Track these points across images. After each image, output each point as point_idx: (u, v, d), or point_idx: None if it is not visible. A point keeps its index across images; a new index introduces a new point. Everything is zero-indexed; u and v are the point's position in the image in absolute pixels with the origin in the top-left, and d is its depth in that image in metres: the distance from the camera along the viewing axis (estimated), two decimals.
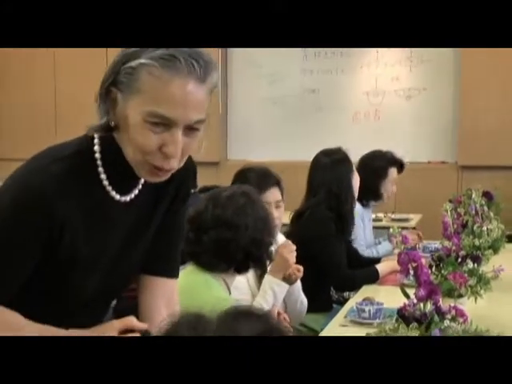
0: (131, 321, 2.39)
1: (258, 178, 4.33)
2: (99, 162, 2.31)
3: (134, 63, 2.17)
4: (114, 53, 2.32)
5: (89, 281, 2.43)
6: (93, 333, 2.37)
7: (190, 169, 2.62)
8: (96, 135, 2.30)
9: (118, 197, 2.37)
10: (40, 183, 2.23)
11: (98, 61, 6.71)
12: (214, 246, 3.27)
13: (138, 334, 2.29)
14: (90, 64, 8.68)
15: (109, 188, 2.34)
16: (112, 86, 2.20)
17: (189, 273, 3.37)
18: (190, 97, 2.19)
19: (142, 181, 2.39)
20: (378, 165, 5.91)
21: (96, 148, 2.31)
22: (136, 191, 2.40)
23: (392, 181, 6.29)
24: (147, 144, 2.17)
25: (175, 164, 2.22)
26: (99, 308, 2.62)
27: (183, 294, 3.08)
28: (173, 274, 2.72)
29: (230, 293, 3.36)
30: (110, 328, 2.34)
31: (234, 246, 3.25)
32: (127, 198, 2.38)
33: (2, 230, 2.26)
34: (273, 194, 4.29)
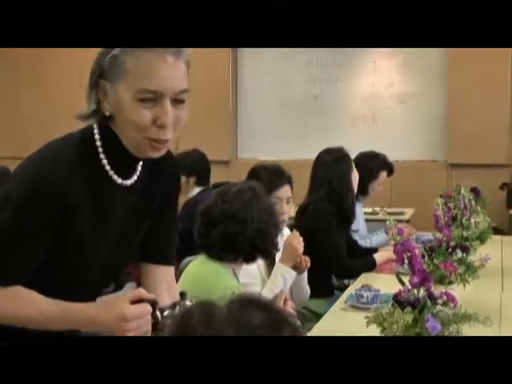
0: (140, 291, 2.34)
1: (271, 175, 4.34)
2: (100, 149, 2.33)
3: (115, 51, 2.24)
4: None
5: (92, 263, 2.43)
6: (107, 303, 2.35)
7: (176, 164, 2.70)
8: (95, 125, 2.34)
9: (119, 180, 2.38)
10: (51, 171, 2.24)
11: None
12: (222, 240, 3.27)
13: (147, 304, 2.25)
14: None
15: (111, 172, 2.35)
16: (100, 79, 2.25)
17: (200, 262, 3.37)
18: (171, 69, 2.25)
19: (140, 167, 2.42)
20: (371, 166, 5.89)
21: (96, 136, 2.33)
22: (135, 177, 2.42)
23: (380, 182, 6.29)
24: (142, 120, 2.21)
25: (170, 134, 2.25)
26: (100, 289, 2.60)
27: (195, 282, 3.07)
28: (172, 261, 2.77)
29: (238, 280, 3.34)
30: (123, 298, 2.29)
31: (241, 238, 3.25)
32: (128, 183, 2.39)
33: (18, 216, 2.25)
34: (285, 191, 4.29)
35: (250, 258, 3.34)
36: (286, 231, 4.22)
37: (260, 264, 3.78)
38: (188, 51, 2.36)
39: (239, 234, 3.24)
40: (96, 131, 2.34)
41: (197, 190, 6.12)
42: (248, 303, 1.43)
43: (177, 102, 2.26)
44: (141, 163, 2.42)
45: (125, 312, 2.21)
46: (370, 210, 7.04)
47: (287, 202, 4.26)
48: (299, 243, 3.79)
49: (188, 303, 2.22)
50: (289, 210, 4.34)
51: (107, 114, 2.28)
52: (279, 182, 4.30)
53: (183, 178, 6.12)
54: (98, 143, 2.33)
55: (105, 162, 2.34)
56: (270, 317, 1.42)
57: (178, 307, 2.23)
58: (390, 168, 6.40)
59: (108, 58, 2.24)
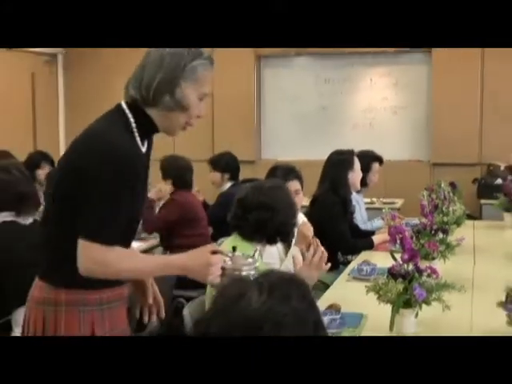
0: (214, 246, 2.58)
1: (284, 172, 4.41)
2: (133, 125, 2.42)
3: (194, 63, 2.41)
4: None
5: (137, 212, 2.51)
6: (194, 255, 2.44)
7: None
8: (127, 110, 2.44)
9: (143, 149, 2.46)
10: (119, 144, 2.33)
11: None
12: (255, 223, 3.28)
13: (220, 254, 2.43)
14: None
15: (139, 143, 2.44)
16: (178, 79, 2.39)
17: (232, 240, 3.37)
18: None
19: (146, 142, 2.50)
20: (364, 161, 5.86)
21: (130, 118, 2.42)
22: (145, 146, 2.49)
23: (375, 172, 6.25)
24: (199, 112, 2.48)
25: None
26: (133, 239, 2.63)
27: None
28: None
29: (262, 258, 3.36)
30: (205, 251, 2.42)
31: (270, 224, 3.26)
32: (144, 150, 2.47)
33: (113, 184, 2.29)
34: (293, 185, 4.33)
35: (272, 241, 3.36)
36: (301, 217, 4.25)
37: (279, 247, 3.81)
38: None
39: (269, 221, 3.26)
40: (129, 115, 2.43)
41: (229, 184, 6.14)
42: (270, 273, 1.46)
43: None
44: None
45: (210, 260, 2.35)
46: (368, 200, 7.05)
47: (296, 194, 4.29)
48: (309, 230, 3.81)
49: (237, 254, 2.46)
50: (299, 201, 4.34)
51: (164, 105, 2.41)
52: (289, 177, 4.36)
53: (218, 175, 6.16)
54: (132, 120, 2.42)
55: (136, 134, 2.42)
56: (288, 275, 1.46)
57: (232, 258, 2.43)
58: (379, 159, 6.39)
59: (190, 67, 2.40)
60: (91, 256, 2.27)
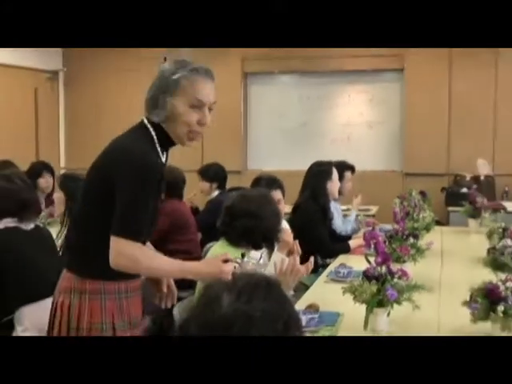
0: (227, 255, 2.65)
1: (267, 183, 4.41)
2: (155, 139, 2.57)
3: (175, 76, 2.52)
4: None
5: (154, 215, 2.62)
6: (209, 263, 2.69)
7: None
8: (147, 124, 2.58)
9: (163, 160, 2.62)
10: (148, 153, 2.51)
11: None
12: (242, 230, 3.27)
13: (232, 263, 2.59)
14: None
15: (161, 154, 2.60)
16: (162, 94, 2.53)
17: (220, 245, 3.37)
18: (210, 88, 2.57)
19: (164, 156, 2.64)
20: (338, 170, 5.82)
21: (151, 131, 2.57)
22: (164, 157, 2.64)
23: (347, 180, 6.27)
24: (191, 120, 2.54)
25: (203, 129, 2.60)
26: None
27: None
28: None
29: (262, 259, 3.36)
30: (219, 259, 2.59)
31: (256, 230, 3.26)
32: (164, 160, 2.62)
33: (141, 189, 2.45)
34: (276, 194, 4.32)
35: (257, 246, 3.35)
36: (284, 224, 4.24)
37: (263, 253, 3.80)
38: (214, 77, 2.63)
39: (255, 227, 3.25)
40: (150, 128, 2.57)
41: (216, 192, 6.15)
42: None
43: (209, 109, 2.59)
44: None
45: (222, 268, 2.52)
46: (345, 207, 7.05)
47: (278, 203, 4.30)
48: (289, 236, 3.81)
49: (246, 260, 2.69)
50: (281, 209, 4.36)
51: (163, 118, 2.55)
52: (271, 187, 4.35)
53: (207, 184, 6.16)
54: (153, 136, 2.56)
55: (158, 147, 2.57)
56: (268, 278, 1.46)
57: (240, 264, 2.63)
58: (351, 168, 6.41)
59: (172, 80, 2.52)
60: (123, 251, 2.43)
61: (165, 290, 2.85)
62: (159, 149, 2.58)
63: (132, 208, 2.44)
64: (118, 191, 2.44)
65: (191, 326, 1.36)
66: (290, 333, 1.38)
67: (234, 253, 3.21)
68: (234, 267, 2.55)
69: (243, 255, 2.61)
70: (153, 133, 2.57)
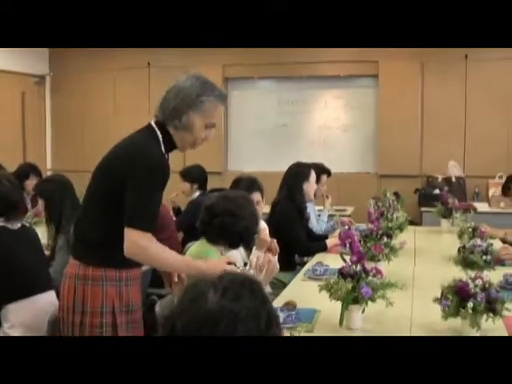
0: (230, 258, 2.90)
1: (247, 184, 4.39)
2: (161, 142, 2.73)
3: (203, 98, 2.72)
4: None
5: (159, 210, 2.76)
6: (213, 263, 2.78)
7: None
8: (156, 128, 2.75)
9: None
10: (161, 156, 2.69)
11: None
12: (220, 228, 3.26)
13: (234, 265, 2.78)
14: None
15: (165, 154, 2.76)
16: (186, 108, 2.71)
17: (200, 244, 3.35)
18: (220, 113, 2.83)
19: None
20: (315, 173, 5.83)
21: (159, 135, 2.73)
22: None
23: (323, 183, 6.28)
24: (201, 136, 2.77)
25: None
26: None
27: (195, 258, 3.06)
28: None
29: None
30: (222, 261, 2.81)
31: (233, 229, 3.24)
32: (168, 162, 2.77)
33: (154, 185, 2.64)
34: (256, 196, 4.31)
35: (235, 245, 3.33)
36: (262, 223, 4.24)
37: (242, 252, 3.78)
38: None
39: (232, 226, 3.24)
40: (158, 132, 2.74)
41: (197, 193, 6.13)
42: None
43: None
44: None
45: (224, 268, 2.61)
46: (321, 207, 7.05)
47: (257, 204, 4.29)
48: (267, 235, 3.80)
49: (247, 268, 2.87)
50: (259, 210, 4.34)
51: (177, 126, 2.73)
52: (252, 189, 4.33)
53: (188, 185, 6.14)
54: (160, 136, 2.73)
55: (162, 148, 2.73)
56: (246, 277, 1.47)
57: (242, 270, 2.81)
58: (327, 172, 6.42)
59: (199, 100, 2.71)
60: (137, 241, 2.60)
61: (176, 279, 2.97)
62: (164, 150, 2.74)
63: (145, 202, 2.61)
64: (130, 186, 2.60)
65: (176, 322, 1.36)
66: (271, 331, 1.38)
67: (211, 252, 3.21)
68: (230, 263, 2.71)
69: (246, 264, 2.76)
70: (160, 136, 2.73)
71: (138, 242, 2.60)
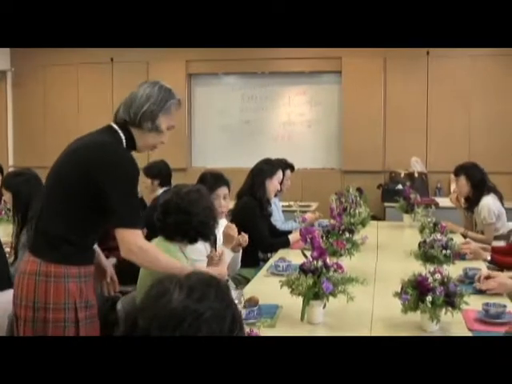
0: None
1: (213, 179, 4.36)
2: (124, 142, 2.82)
3: (170, 102, 2.88)
4: None
5: None
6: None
7: None
8: (117, 129, 2.83)
9: None
10: (130, 154, 2.81)
11: None
12: (174, 226, 3.24)
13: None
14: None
15: None
16: (158, 111, 2.83)
17: (158, 241, 3.32)
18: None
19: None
20: None
21: (122, 136, 2.81)
22: None
23: (287, 178, 6.28)
24: (163, 139, 2.91)
25: None
26: None
27: None
28: None
29: (184, 255, 3.32)
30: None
31: (187, 226, 3.22)
32: None
33: (132, 185, 2.75)
34: (222, 190, 4.30)
35: (192, 241, 3.31)
36: (223, 221, 4.24)
37: (206, 245, 3.76)
38: None
39: (186, 223, 3.23)
40: (120, 133, 2.81)
41: (160, 190, 6.08)
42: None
43: None
44: None
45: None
46: (286, 203, 7.07)
47: (224, 198, 4.29)
48: (233, 230, 3.80)
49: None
50: (226, 205, 4.35)
51: (147, 127, 2.83)
52: (218, 184, 4.32)
53: (149, 181, 6.08)
54: (122, 137, 2.81)
55: (125, 147, 2.82)
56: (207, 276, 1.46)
57: None
58: (291, 166, 6.44)
59: (167, 103, 2.86)
60: (135, 242, 2.70)
61: (108, 279, 3.11)
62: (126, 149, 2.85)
63: (130, 201, 2.72)
64: (110, 188, 2.67)
65: (139, 319, 1.35)
66: (234, 333, 1.38)
67: (169, 248, 3.19)
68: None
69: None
70: (122, 136, 2.81)
71: (137, 243, 2.71)
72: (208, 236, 3.37)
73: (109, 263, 3.21)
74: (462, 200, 5.89)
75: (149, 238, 5.30)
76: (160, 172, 6.13)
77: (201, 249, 3.67)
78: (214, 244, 3.86)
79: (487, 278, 3.53)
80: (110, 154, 2.73)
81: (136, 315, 1.38)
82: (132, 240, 2.70)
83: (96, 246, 2.99)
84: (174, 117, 2.92)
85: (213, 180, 4.35)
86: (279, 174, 5.45)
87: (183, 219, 3.21)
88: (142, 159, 8.89)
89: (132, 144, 2.85)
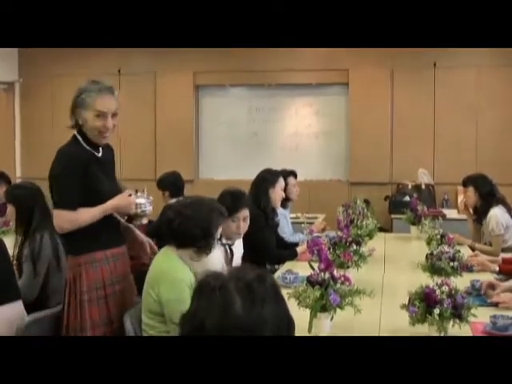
0: (129, 191, 3.39)
1: (233, 200, 4.24)
2: (81, 141, 3.28)
3: (83, 95, 3.24)
4: None
5: (97, 192, 3.27)
6: (120, 198, 3.30)
7: (112, 148, 3.54)
8: (77, 134, 3.30)
9: (96, 154, 3.31)
10: (74, 152, 3.24)
11: None
12: (177, 232, 3.22)
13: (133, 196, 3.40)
14: None
15: (90, 150, 3.29)
16: (76, 108, 3.27)
17: (164, 252, 3.30)
18: (109, 101, 3.25)
19: (101, 149, 3.34)
20: None
21: (79, 137, 3.30)
22: (100, 152, 3.33)
23: (293, 185, 6.27)
24: (97, 125, 3.22)
25: (109, 132, 3.25)
26: None
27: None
28: None
29: (190, 269, 3.28)
30: (126, 194, 3.33)
31: (188, 232, 3.18)
32: (99, 155, 3.33)
33: (67, 176, 3.18)
34: (243, 213, 4.26)
35: (183, 246, 3.27)
36: (239, 242, 4.21)
37: (219, 253, 3.69)
38: (116, 92, 3.31)
39: (188, 229, 3.18)
40: (78, 135, 3.29)
41: (172, 201, 6.10)
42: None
43: (113, 116, 3.24)
44: (100, 148, 3.33)
45: (130, 200, 3.34)
46: (294, 215, 7.07)
47: (244, 220, 4.26)
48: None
49: (139, 194, 3.51)
50: (244, 227, 4.29)
51: (80, 123, 3.26)
52: (239, 205, 4.25)
53: (161, 192, 6.11)
54: (80, 139, 3.29)
55: (86, 146, 3.28)
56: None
57: (137, 196, 3.47)
58: (293, 173, 6.43)
59: (81, 98, 3.23)
60: (62, 218, 3.18)
61: (148, 250, 3.62)
62: (89, 148, 3.28)
63: (63, 189, 3.20)
64: (55, 180, 3.21)
65: (206, 324, 1.35)
66: (291, 333, 1.42)
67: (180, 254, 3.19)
68: (130, 195, 3.33)
69: (137, 191, 3.47)
70: (79, 138, 3.28)
71: (63, 218, 3.18)
72: (210, 242, 3.28)
73: (144, 236, 3.64)
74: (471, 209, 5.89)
75: (159, 247, 5.33)
76: (169, 184, 6.16)
77: (217, 255, 3.61)
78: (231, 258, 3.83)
79: (490, 286, 3.54)
80: (57, 157, 3.24)
81: (201, 316, 1.37)
82: (60, 218, 3.18)
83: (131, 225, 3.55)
84: (95, 105, 3.20)
85: (233, 201, 4.24)
86: (281, 181, 5.46)
87: (185, 225, 3.18)
88: (148, 171, 8.91)
89: (90, 141, 3.27)
